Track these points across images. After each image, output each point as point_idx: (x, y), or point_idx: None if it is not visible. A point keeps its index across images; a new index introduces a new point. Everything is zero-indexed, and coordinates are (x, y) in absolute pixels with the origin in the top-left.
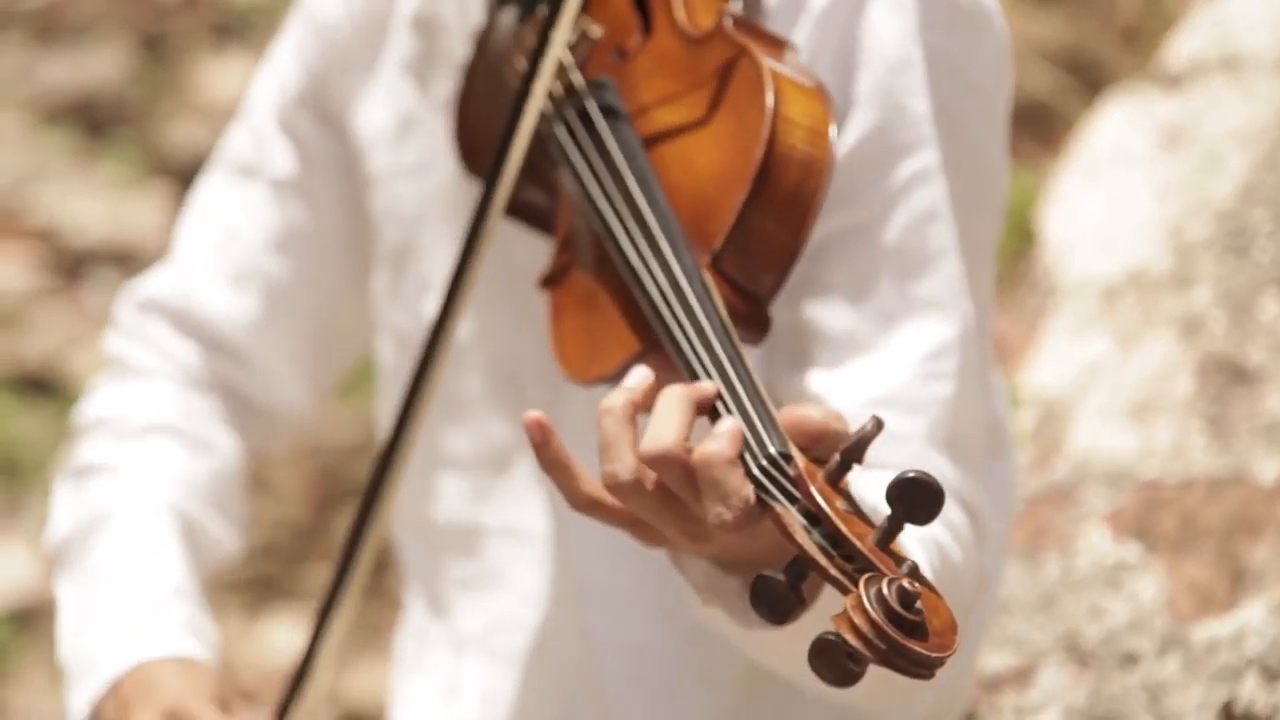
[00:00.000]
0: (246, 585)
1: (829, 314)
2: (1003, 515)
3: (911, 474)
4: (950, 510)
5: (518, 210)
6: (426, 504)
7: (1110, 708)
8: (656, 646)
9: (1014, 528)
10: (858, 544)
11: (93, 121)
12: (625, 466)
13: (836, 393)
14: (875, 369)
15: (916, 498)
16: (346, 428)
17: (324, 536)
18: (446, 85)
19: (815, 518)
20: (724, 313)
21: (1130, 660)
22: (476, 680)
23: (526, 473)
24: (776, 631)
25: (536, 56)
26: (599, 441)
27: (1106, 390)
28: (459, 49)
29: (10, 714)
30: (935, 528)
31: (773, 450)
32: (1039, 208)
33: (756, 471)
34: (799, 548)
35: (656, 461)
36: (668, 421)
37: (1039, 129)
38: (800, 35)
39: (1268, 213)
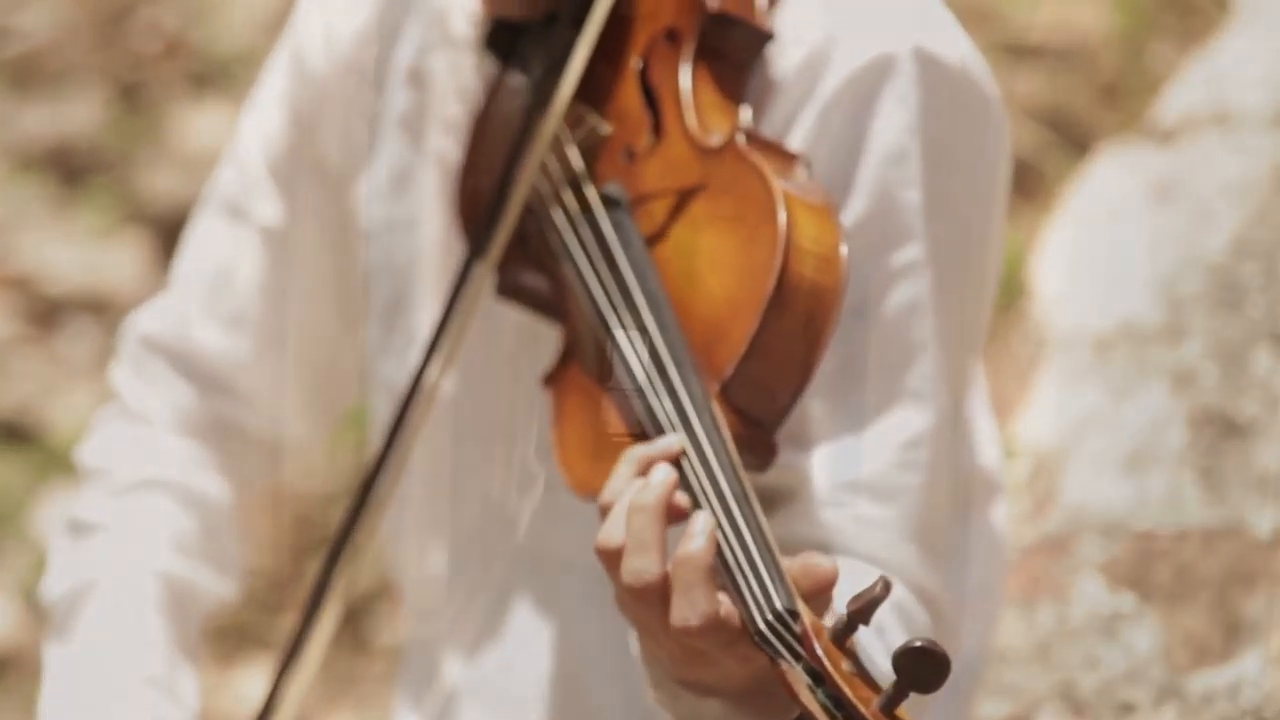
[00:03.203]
0: (221, 634)
1: (809, 396)
2: (996, 566)
3: (919, 643)
4: (912, 606)
5: (522, 296)
6: (420, 565)
7: None
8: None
9: (1009, 577)
10: (861, 709)
11: (69, 169)
12: (656, 566)
13: (812, 474)
14: (852, 454)
15: (923, 666)
16: (323, 476)
17: (299, 585)
18: (438, 139)
19: (819, 677)
20: (732, 449)
21: (1127, 710)
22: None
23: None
24: None
25: (532, 115)
26: (630, 542)
27: (1099, 442)
28: (450, 105)
29: None
30: (894, 622)
31: (779, 605)
32: (1022, 261)
33: (762, 626)
34: (803, 706)
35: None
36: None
37: (1019, 184)
38: (806, 118)
39: (1259, 267)
